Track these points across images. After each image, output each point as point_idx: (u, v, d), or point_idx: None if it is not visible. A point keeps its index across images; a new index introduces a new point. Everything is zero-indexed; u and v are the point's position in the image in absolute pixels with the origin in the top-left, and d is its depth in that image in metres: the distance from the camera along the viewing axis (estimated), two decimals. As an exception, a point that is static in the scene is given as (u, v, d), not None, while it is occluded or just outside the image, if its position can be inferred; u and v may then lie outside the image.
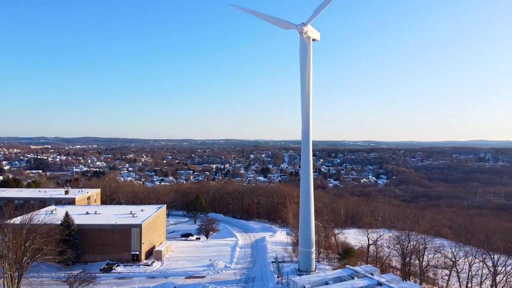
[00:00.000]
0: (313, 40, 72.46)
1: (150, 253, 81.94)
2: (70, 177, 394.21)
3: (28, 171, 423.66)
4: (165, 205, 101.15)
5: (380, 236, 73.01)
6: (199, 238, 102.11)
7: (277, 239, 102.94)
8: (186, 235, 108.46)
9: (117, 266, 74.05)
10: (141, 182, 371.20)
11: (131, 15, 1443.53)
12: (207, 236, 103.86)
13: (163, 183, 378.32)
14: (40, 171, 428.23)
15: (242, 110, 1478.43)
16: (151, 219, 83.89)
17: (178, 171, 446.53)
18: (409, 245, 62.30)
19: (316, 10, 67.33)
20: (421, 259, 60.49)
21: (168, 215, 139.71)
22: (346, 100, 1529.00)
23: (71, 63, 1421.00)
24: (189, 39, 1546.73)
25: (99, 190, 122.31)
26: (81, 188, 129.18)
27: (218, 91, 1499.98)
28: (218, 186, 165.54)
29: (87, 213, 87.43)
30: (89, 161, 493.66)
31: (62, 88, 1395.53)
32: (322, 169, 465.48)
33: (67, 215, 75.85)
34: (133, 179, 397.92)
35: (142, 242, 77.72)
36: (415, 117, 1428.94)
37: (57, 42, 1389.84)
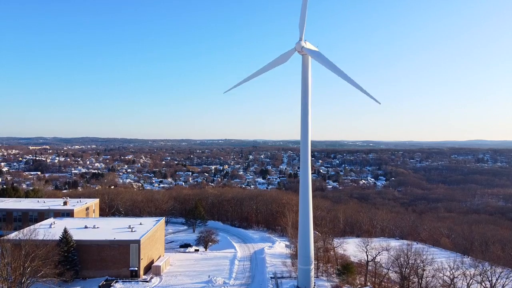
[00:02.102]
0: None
1: (148, 268, 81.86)
2: (69, 179, 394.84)
3: (26, 173, 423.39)
4: (164, 218, 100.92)
5: (379, 253, 72.97)
6: (197, 250, 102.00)
7: (276, 250, 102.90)
8: (185, 246, 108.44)
9: (115, 282, 73.97)
10: (140, 184, 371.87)
11: (127, 13, 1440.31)
12: (206, 247, 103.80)
13: (162, 185, 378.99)
14: (39, 173, 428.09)
15: (241, 110, 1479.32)
16: (149, 233, 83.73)
17: (177, 173, 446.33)
18: (407, 266, 62.38)
19: (300, 24, 68.03)
20: (420, 281, 60.55)
21: (167, 222, 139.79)
22: (344, 100, 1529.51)
23: (69, 62, 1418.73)
24: (186, 38, 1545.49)
25: (97, 200, 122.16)
26: (80, 198, 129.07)
27: (216, 90, 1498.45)
28: (216, 193, 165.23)
29: (86, 227, 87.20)
30: (88, 162, 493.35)
31: (61, 88, 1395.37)
32: (321, 171, 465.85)
33: (65, 231, 75.67)
34: (131, 181, 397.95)
35: (140, 258, 77.61)
36: (414, 117, 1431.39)
37: (55, 40, 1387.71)
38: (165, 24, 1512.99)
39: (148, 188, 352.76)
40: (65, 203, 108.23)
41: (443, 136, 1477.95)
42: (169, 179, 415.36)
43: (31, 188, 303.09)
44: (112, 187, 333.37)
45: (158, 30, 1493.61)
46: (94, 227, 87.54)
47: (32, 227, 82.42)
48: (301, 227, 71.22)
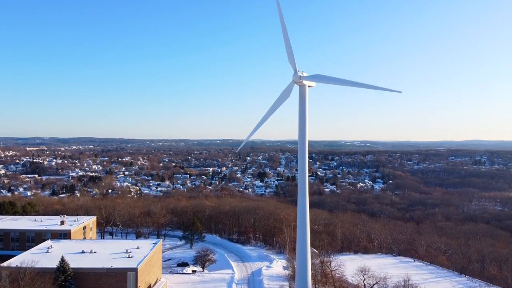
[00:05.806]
0: (309, 86, 72.75)
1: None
2: (66, 182, 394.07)
3: (23, 176, 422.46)
4: (161, 240, 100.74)
5: (376, 282, 73.23)
6: (195, 271, 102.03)
7: (273, 271, 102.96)
8: (182, 265, 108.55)
9: (113, 311, 73.89)
10: (138, 188, 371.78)
11: (122, 11, 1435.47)
12: (203, 267, 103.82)
13: (159, 188, 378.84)
14: (36, 176, 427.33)
15: (239, 110, 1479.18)
16: (147, 259, 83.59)
17: (175, 175, 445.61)
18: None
19: (289, 56, 69.53)
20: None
21: (164, 236, 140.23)
22: (343, 99, 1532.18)
23: (66, 61, 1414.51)
24: (184, 36, 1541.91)
25: (94, 218, 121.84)
26: (77, 214, 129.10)
27: (215, 89, 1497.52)
28: (214, 205, 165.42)
29: (83, 252, 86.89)
30: (85, 164, 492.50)
31: (59, 88, 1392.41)
32: (319, 173, 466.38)
33: (62, 259, 75.44)
34: (129, 184, 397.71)
35: (138, 286, 77.58)
36: (411, 116, 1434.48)
37: (52, 39, 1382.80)
38: (162, 22, 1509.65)
39: (145, 191, 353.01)
40: (62, 223, 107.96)
41: (441, 136, 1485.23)
42: (167, 182, 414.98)
43: (28, 194, 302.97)
44: (110, 191, 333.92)
45: (155, 29, 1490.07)
46: (91, 252, 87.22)
47: (29, 253, 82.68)
48: (299, 259, 71.36)
